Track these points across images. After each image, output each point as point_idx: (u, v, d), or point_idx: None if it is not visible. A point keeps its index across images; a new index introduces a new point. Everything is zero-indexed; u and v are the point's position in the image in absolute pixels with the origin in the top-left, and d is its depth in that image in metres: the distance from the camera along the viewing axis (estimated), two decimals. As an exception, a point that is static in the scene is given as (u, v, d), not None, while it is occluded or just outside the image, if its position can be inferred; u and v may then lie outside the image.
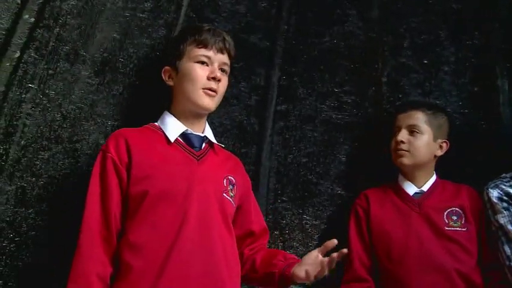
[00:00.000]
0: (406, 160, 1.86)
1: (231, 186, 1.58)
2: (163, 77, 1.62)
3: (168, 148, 1.52)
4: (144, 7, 1.77)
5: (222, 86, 1.60)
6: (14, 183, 1.50)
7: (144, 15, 1.77)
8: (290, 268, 1.49)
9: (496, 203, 1.75)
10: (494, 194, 1.76)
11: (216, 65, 1.58)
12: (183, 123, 1.58)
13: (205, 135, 1.61)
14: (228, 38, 1.63)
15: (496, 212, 1.75)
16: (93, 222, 1.38)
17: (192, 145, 1.56)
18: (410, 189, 1.90)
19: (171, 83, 1.61)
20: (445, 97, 2.10)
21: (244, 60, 1.98)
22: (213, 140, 1.63)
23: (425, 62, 2.12)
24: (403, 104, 2.04)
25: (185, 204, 1.44)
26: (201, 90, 1.55)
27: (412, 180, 1.90)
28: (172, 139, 1.54)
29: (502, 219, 1.73)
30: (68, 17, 1.61)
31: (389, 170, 1.96)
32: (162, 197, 1.43)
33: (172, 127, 1.57)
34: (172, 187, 1.45)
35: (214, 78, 1.56)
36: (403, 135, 1.87)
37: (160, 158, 1.49)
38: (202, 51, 1.57)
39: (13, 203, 1.49)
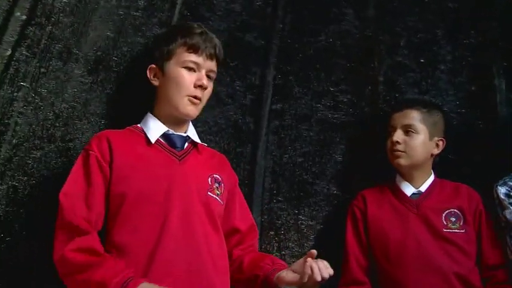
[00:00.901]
0: (402, 161, 1.84)
1: (216, 184, 1.57)
2: (148, 75, 1.58)
3: (148, 149, 1.51)
4: (138, 5, 1.75)
5: (207, 94, 1.58)
6: (5, 183, 1.48)
7: (138, 14, 1.74)
8: (275, 273, 1.44)
9: (503, 199, 1.77)
10: (502, 190, 1.78)
11: (203, 72, 1.56)
12: (165, 124, 1.56)
13: (187, 135, 1.59)
14: (218, 43, 1.60)
15: (503, 207, 1.77)
16: (76, 218, 1.36)
17: (173, 145, 1.54)
18: (408, 189, 1.88)
19: (156, 82, 1.58)
20: (442, 96, 2.09)
21: (240, 59, 1.96)
22: (196, 139, 1.61)
23: (422, 60, 2.10)
24: (398, 102, 2.03)
25: (166, 205, 1.42)
26: (186, 98, 1.53)
27: (409, 180, 1.88)
28: (153, 140, 1.52)
29: (509, 215, 1.75)
30: (61, 15, 1.59)
31: (386, 170, 1.94)
32: (142, 198, 1.41)
33: (154, 128, 1.55)
34: (152, 188, 1.43)
35: (201, 86, 1.54)
36: (399, 135, 1.85)
37: (140, 159, 1.47)
38: (192, 57, 1.54)
39: (4, 202, 1.47)
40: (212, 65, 1.58)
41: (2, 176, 1.47)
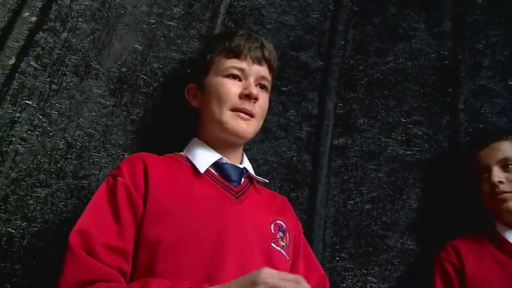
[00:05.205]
0: None
1: (281, 234, 1.24)
2: (187, 97, 1.35)
3: (195, 181, 1.20)
4: (173, 13, 1.51)
5: (261, 107, 1.28)
6: None
7: (172, 24, 1.52)
8: None
9: None
10: None
11: (252, 79, 1.26)
12: (215, 151, 1.26)
13: (244, 167, 1.28)
14: (268, 45, 1.32)
15: None
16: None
17: (228, 178, 1.23)
18: (516, 239, 1.52)
19: (195, 103, 1.33)
20: (537, 126, 1.81)
21: (294, 82, 1.72)
22: (253, 173, 1.31)
23: (511, 83, 1.83)
24: (476, 139, 1.73)
25: (216, 256, 1.08)
26: (231, 112, 1.23)
27: (516, 227, 1.54)
28: (202, 169, 1.21)
29: None
30: (79, 20, 1.35)
31: (475, 216, 1.67)
32: (184, 245, 1.08)
33: (202, 155, 1.24)
34: (199, 231, 1.10)
35: (249, 97, 1.23)
36: (498, 174, 1.53)
37: (185, 192, 1.16)
38: (234, 62, 1.26)
39: None
40: (262, 70, 1.29)
41: (-6, 220, 1.19)
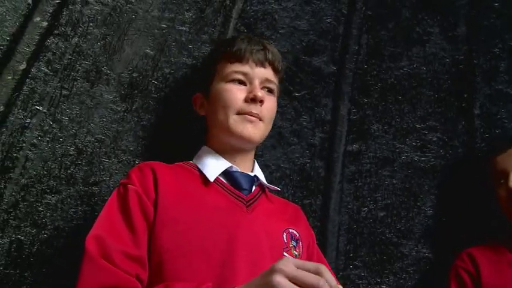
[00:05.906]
0: None
1: (294, 243, 1.21)
2: (194, 107, 1.34)
3: (205, 190, 1.17)
4: (185, 18, 1.47)
5: (268, 111, 1.25)
6: (7, 235, 1.18)
7: (184, 28, 1.47)
8: None
9: None
10: None
11: (256, 82, 1.23)
12: (225, 159, 1.23)
13: (255, 175, 1.26)
14: (270, 47, 1.29)
15: None
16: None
17: (239, 187, 1.20)
18: (534, 248, 1.48)
19: (202, 112, 1.32)
20: (555, 132, 1.74)
21: (307, 88, 1.68)
22: (264, 181, 1.28)
23: None
24: (493, 144, 1.70)
25: (227, 265, 1.06)
26: (237, 116, 1.21)
27: (533, 236, 1.50)
28: (211, 178, 1.18)
29: None
30: (90, 24, 1.32)
31: (491, 223, 1.63)
32: (194, 253, 1.06)
33: (212, 163, 1.22)
34: (209, 240, 1.08)
35: (254, 100, 1.20)
36: None
37: (194, 201, 1.13)
38: (236, 67, 1.24)
39: (4, 262, 1.17)
40: (266, 72, 1.26)
41: (3, 227, 1.17)
